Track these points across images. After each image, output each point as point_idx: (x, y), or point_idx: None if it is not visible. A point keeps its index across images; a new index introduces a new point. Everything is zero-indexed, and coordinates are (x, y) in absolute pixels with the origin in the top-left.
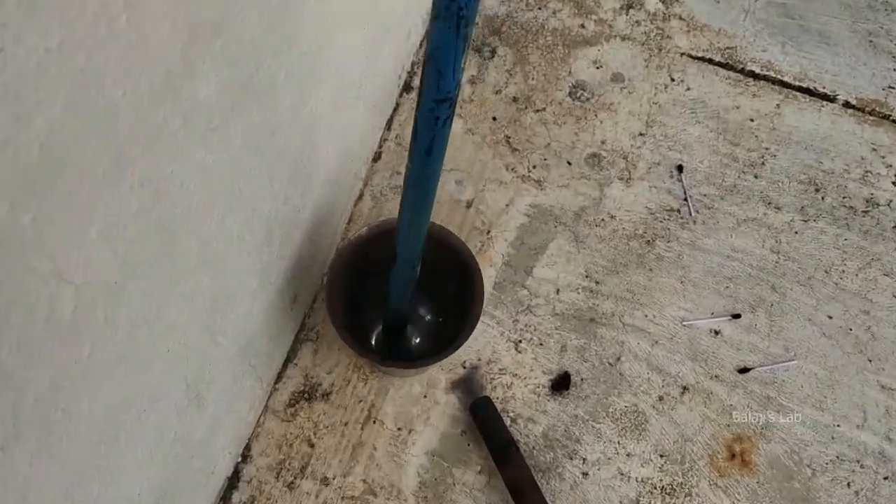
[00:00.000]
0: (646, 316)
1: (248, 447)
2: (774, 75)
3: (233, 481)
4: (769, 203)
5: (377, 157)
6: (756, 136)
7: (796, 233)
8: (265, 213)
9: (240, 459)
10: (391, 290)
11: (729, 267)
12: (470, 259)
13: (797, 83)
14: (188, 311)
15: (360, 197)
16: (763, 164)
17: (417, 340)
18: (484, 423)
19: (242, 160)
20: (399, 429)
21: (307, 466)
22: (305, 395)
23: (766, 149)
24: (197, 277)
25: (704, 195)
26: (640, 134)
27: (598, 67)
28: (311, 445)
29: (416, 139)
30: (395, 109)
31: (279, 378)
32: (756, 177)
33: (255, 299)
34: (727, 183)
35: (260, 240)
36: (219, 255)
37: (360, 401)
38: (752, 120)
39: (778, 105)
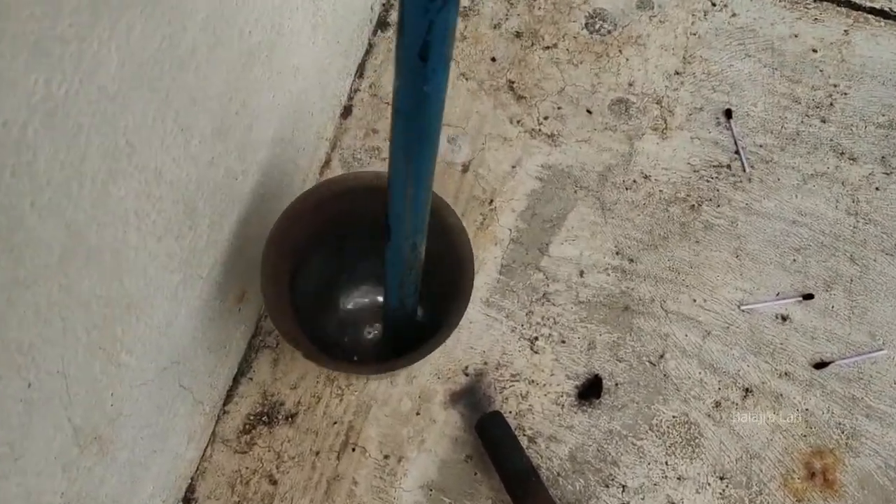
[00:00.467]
0: (694, 300)
1: (191, 488)
2: None
3: None
4: (842, 153)
5: (347, 112)
6: (821, 71)
7: (877, 189)
8: (178, 180)
9: None
10: (387, 282)
11: (795, 235)
12: (454, 232)
13: (869, 3)
14: (60, 327)
15: (327, 162)
16: (832, 104)
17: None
18: (495, 445)
19: (126, 98)
20: (386, 457)
21: None
22: (264, 419)
23: (835, 86)
24: (69, 279)
25: (760, 146)
26: (677, 73)
27: None
28: (274, 482)
29: (404, 33)
30: (367, 52)
31: (229, 398)
32: (823, 121)
33: (179, 301)
34: (788, 130)
35: (174, 218)
36: (106, 244)
37: (335, 422)
38: (814, 51)
39: (846, 31)
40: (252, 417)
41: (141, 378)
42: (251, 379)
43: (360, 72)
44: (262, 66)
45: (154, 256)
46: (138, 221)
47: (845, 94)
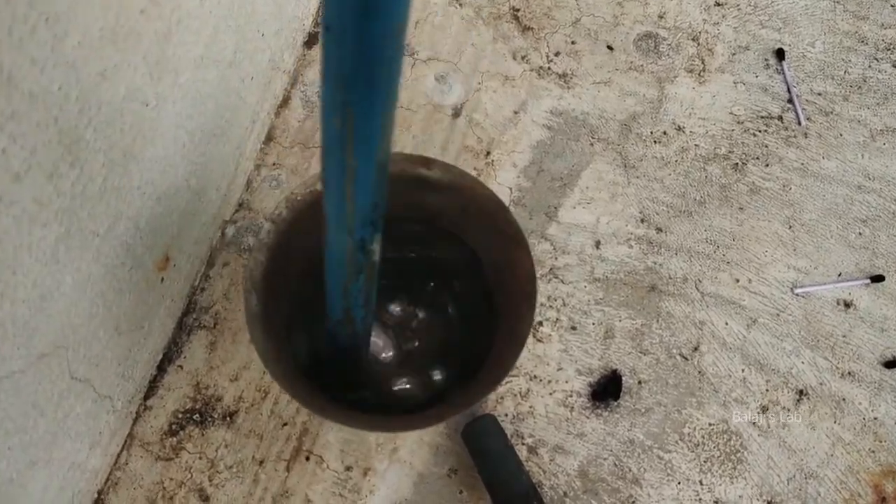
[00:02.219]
0: (737, 280)
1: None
2: None
3: None
4: None
5: (312, 40)
6: (892, 6)
7: None
8: (45, 93)
9: None
10: (327, 285)
11: (861, 203)
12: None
13: None
14: None
15: (285, 101)
16: None
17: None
18: (485, 457)
19: None
20: (348, 468)
21: None
22: (196, 417)
23: None
24: None
25: (819, 94)
26: (718, 3)
27: None
28: (205, 498)
29: None
30: None
31: (151, 391)
32: None
33: (61, 265)
34: (852, 76)
35: (43, 149)
36: None
37: (285, 424)
38: None
39: None
40: (181, 415)
41: (1, 369)
42: (181, 367)
43: None
44: None
45: (10, 202)
46: None
47: None
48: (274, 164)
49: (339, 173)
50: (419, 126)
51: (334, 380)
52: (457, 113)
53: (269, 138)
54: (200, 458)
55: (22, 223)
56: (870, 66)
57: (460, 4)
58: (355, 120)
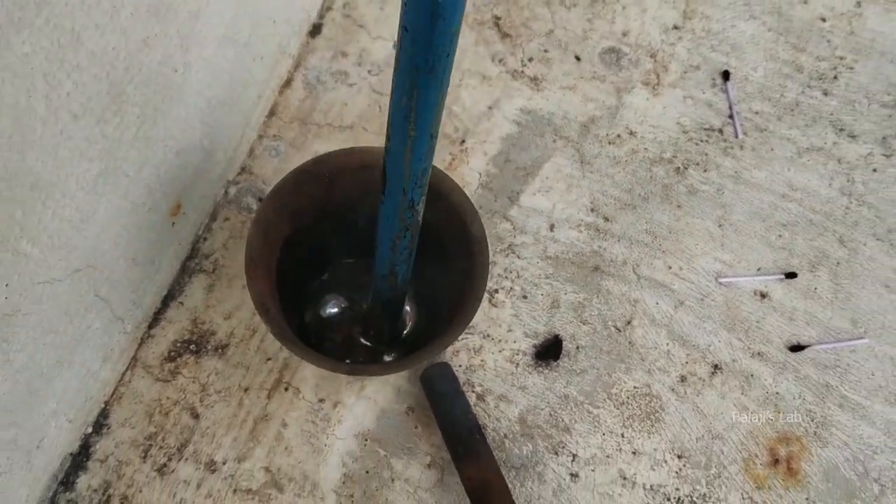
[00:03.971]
0: (669, 267)
1: (104, 413)
2: None
3: (79, 459)
4: (841, 129)
5: (316, 31)
6: (828, 42)
7: (875, 170)
8: (102, 51)
9: (90, 430)
10: (378, 243)
11: (784, 210)
12: (471, 227)
13: None
14: None
15: (289, 82)
16: (836, 77)
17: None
18: (439, 398)
19: None
20: (321, 400)
21: (187, 445)
22: (192, 347)
23: (841, 58)
24: None
25: (756, 113)
26: (675, 27)
27: None
28: (196, 416)
29: None
30: None
31: (155, 321)
32: (826, 94)
33: (99, 195)
34: (787, 99)
35: (96, 97)
36: (4, 105)
37: (269, 359)
38: (823, 20)
39: (858, 3)
40: (179, 344)
41: (45, 275)
42: (182, 303)
43: None
44: None
45: (68, 136)
46: (48, 89)
47: (851, 68)
48: (274, 136)
49: (402, 142)
50: None
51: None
52: None
53: (272, 113)
54: (194, 382)
55: (75, 155)
56: (803, 92)
57: None
58: (419, 99)
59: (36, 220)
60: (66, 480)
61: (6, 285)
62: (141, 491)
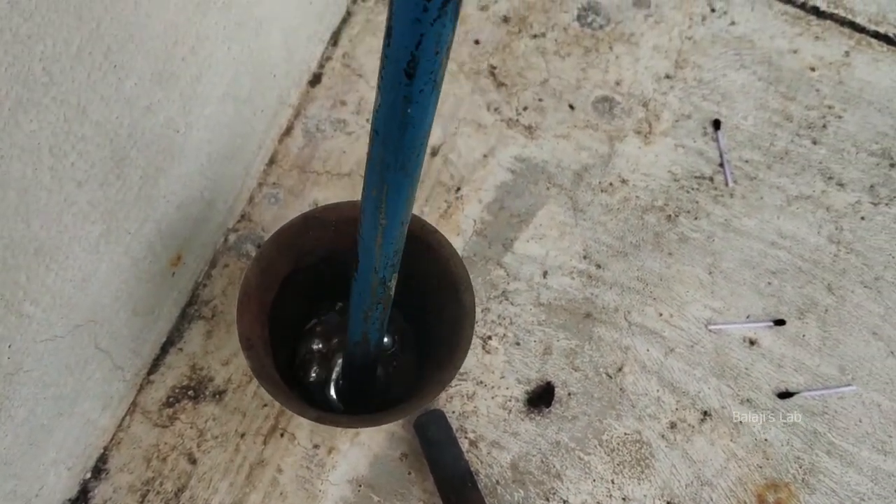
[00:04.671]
0: (660, 315)
1: (103, 459)
2: (844, 14)
3: None
4: (830, 178)
5: (316, 80)
6: (817, 91)
7: (863, 218)
8: (106, 121)
9: (89, 476)
10: (351, 312)
11: (773, 257)
12: (459, 280)
13: (873, 27)
14: None
15: (288, 130)
16: (825, 126)
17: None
18: (432, 445)
19: (45, 19)
20: (315, 446)
21: (184, 490)
22: (190, 393)
23: (830, 108)
24: None
25: (746, 161)
26: (667, 76)
27: None
28: (193, 461)
29: (390, 44)
30: (344, 20)
31: (154, 367)
32: (815, 142)
33: (101, 254)
34: (777, 148)
35: (99, 164)
36: (11, 179)
37: (265, 405)
38: (813, 69)
39: (847, 53)
40: (177, 390)
41: (47, 333)
42: (181, 350)
43: (335, 39)
44: (218, 12)
45: (71, 202)
46: (53, 160)
47: (840, 117)
48: (274, 184)
49: (373, 229)
50: None
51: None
52: (435, 152)
53: (272, 161)
54: (191, 427)
55: (78, 220)
56: (792, 141)
57: None
58: (388, 193)
59: (39, 283)
60: None
61: (9, 346)
62: None
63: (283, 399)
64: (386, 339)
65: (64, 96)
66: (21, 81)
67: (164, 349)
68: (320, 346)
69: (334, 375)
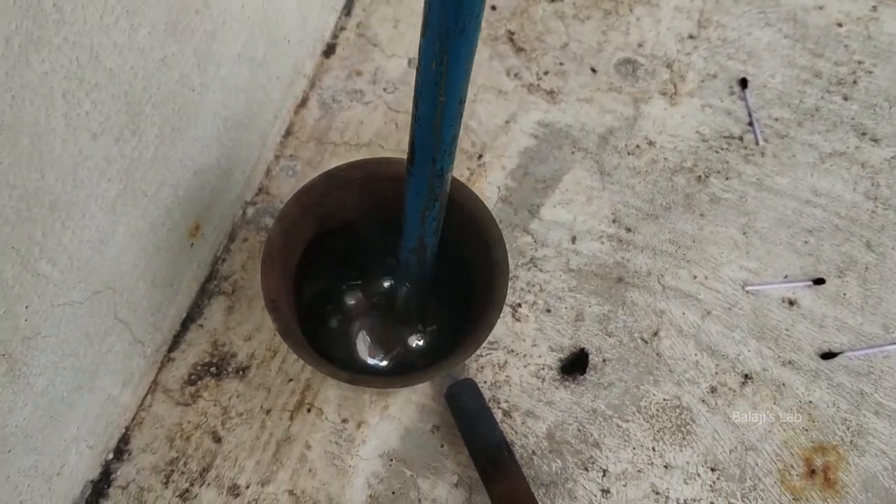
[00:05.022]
0: (695, 277)
1: (125, 439)
2: None
3: (100, 486)
4: (863, 133)
5: (330, 51)
6: (846, 47)
7: None
8: (120, 70)
9: (111, 456)
10: (407, 216)
11: (809, 215)
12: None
13: None
14: None
15: (304, 102)
16: (855, 82)
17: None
18: (465, 415)
19: None
20: (344, 421)
21: (210, 469)
22: (213, 370)
23: (859, 63)
24: None
25: (776, 119)
26: (691, 36)
27: None
28: (218, 440)
29: None
30: None
31: (175, 344)
32: (846, 98)
33: (118, 215)
34: (807, 105)
35: (114, 116)
36: (23, 124)
37: (291, 380)
38: (840, 25)
39: (874, 7)
40: (199, 367)
41: (65, 297)
42: (202, 326)
43: (348, 9)
44: None
45: (87, 155)
46: (67, 107)
47: (870, 72)
48: (291, 156)
49: (432, 108)
50: None
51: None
52: None
53: (288, 133)
54: (215, 405)
55: (94, 175)
56: (822, 98)
57: None
58: (449, 63)
59: (56, 241)
60: None
61: (26, 307)
62: None
63: (312, 361)
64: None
65: (76, 38)
66: (31, 17)
67: (185, 325)
68: (345, 314)
69: (362, 343)
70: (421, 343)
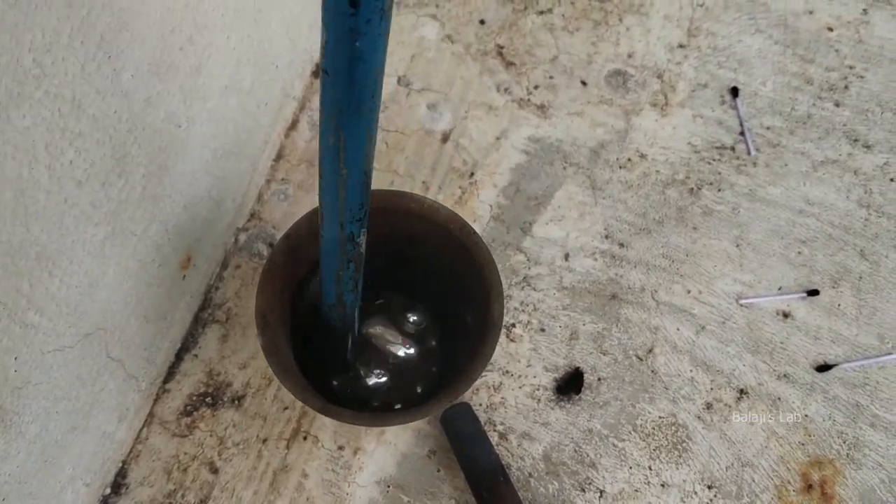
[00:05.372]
0: (689, 291)
1: (122, 473)
2: None
3: None
4: (855, 140)
5: (319, 71)
6: (837, 52)
7: (892, 180)
8: (104, 116)
9: (108, 492)
10: (322, 273)
11: (802, 225)
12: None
13: None
14: None
15: (294, 124)
16: (846, 88)
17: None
18: (461, 440)
19: (34, 6)
20: (340, 448)
21: (207, 501)
22: (208, 400)
23: (851, 68)
24: None
25: (768, 128)
26: (681, 45)
27: None
28: (215, 471)
29: None
30: None
31: (170, 375)
32: (837, 104)
33: (106, 258)
34: (798, 112)
35: (99, 162)
36: (6, 180)
37: (286, 408)
38: (830, 29)
39: (865, 10)
40: (195, 398)
41: (55, 343)
42: (196, 356)
43: None
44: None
45: (72, 203)
46: (50, 159)
47: (861, 76)
48: (282, 180)
49: (334, 178)
50: (412, 149)
51: (326, 364)
52: (445, 138)
53: (279, 156)
54: (211, 435)
55: (80, 222)
56: (814, 104)
57: (452, 41)
58: (346, 139)
59: (43, 291)
60: None
61: (15, 359)
62: None
63: (290, 384)
64: (414, 318)
65: (57, 90)
66: (10, 73)
67: (179, 356)
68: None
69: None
70: (411, 352)
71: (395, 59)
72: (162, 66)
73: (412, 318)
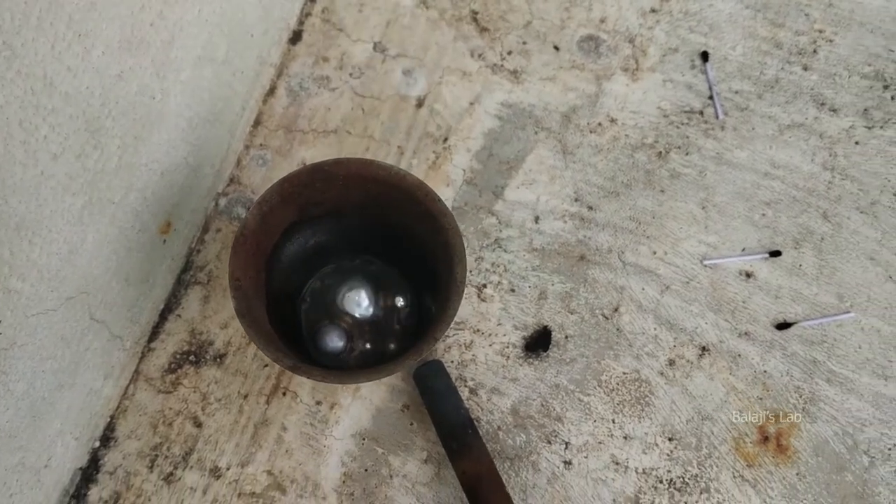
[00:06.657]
0: (654, 253)
1: (110, 427)
2: None
3: (89, 473)
4: (822, 104)
5: (296, 38)
6: (806, 16)
7: (857, 143)
8: (76, 92)
9: (98, 444)
10: None
11: (767, 188)
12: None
13: None
14: None
15: (272, 90)
16: (815, 52)
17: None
18: (432, 395)
19: None
20: (318, 403)
21: (192, 453)
22: (191, 358)
23: (820, 32)
24: None
25: (736, 92)
26: (652, 10)
27: None
28: (198, 425)
29: None
30: None
31: (154, 335)
32: (805, 68)
33: (85, 226)
34: (767, 77)
35: (74, 135)
36: None
37: (266, 365)
38: None
39: None
40: (179, 356)
41: (38, 307)
42: (179, 316)
43: None
44: None
45: (48, 175)
46: (25, 135)
47: (831, 40)
48: (261, 145)
49: None
50: (387, 114)
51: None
52: (420, 103)
53: (257, 122)
54: (195, 391)
55: (57, 192)
56: (782, 68)
57: (426, 7)
58: None
59: (24, 258)
60: (78, 494)
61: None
62: (150, 500)
63: (262, 343)
64: (401, 301)
65: (28, 69)
66: None
67: (163, 316)
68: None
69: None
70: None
71: (371, 26)
72: (133, 41)
73: (399, 301)
